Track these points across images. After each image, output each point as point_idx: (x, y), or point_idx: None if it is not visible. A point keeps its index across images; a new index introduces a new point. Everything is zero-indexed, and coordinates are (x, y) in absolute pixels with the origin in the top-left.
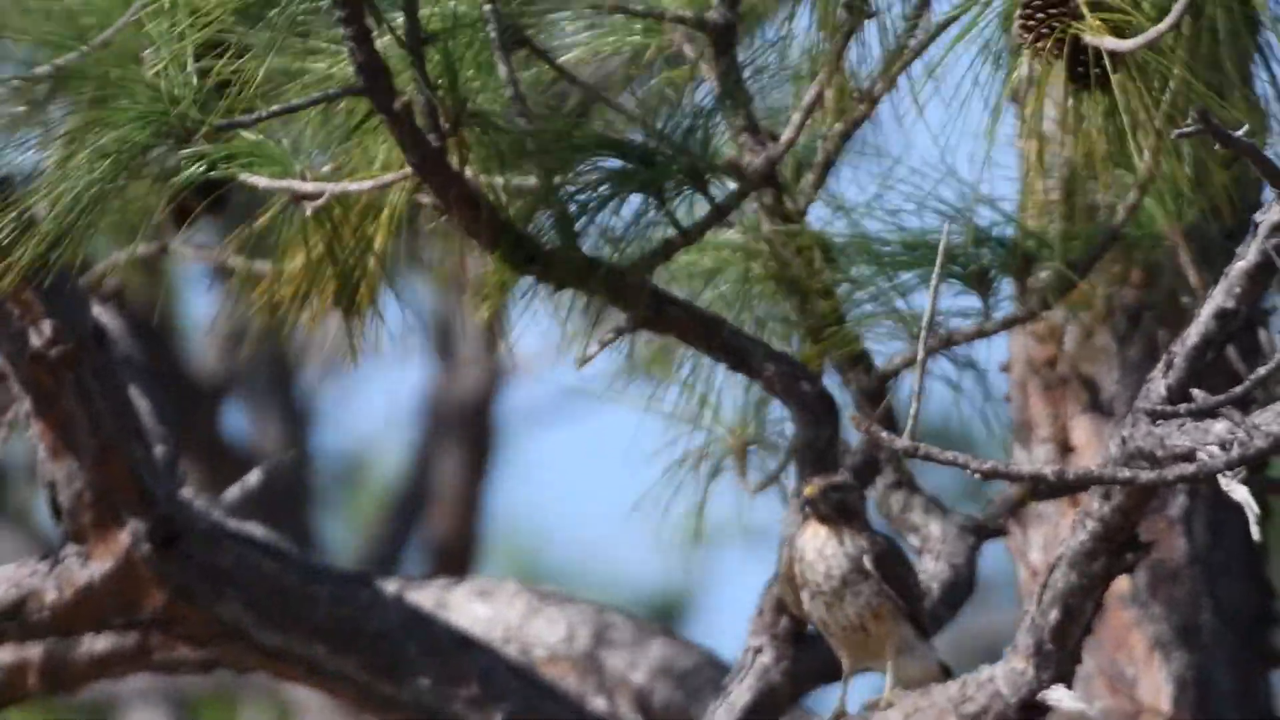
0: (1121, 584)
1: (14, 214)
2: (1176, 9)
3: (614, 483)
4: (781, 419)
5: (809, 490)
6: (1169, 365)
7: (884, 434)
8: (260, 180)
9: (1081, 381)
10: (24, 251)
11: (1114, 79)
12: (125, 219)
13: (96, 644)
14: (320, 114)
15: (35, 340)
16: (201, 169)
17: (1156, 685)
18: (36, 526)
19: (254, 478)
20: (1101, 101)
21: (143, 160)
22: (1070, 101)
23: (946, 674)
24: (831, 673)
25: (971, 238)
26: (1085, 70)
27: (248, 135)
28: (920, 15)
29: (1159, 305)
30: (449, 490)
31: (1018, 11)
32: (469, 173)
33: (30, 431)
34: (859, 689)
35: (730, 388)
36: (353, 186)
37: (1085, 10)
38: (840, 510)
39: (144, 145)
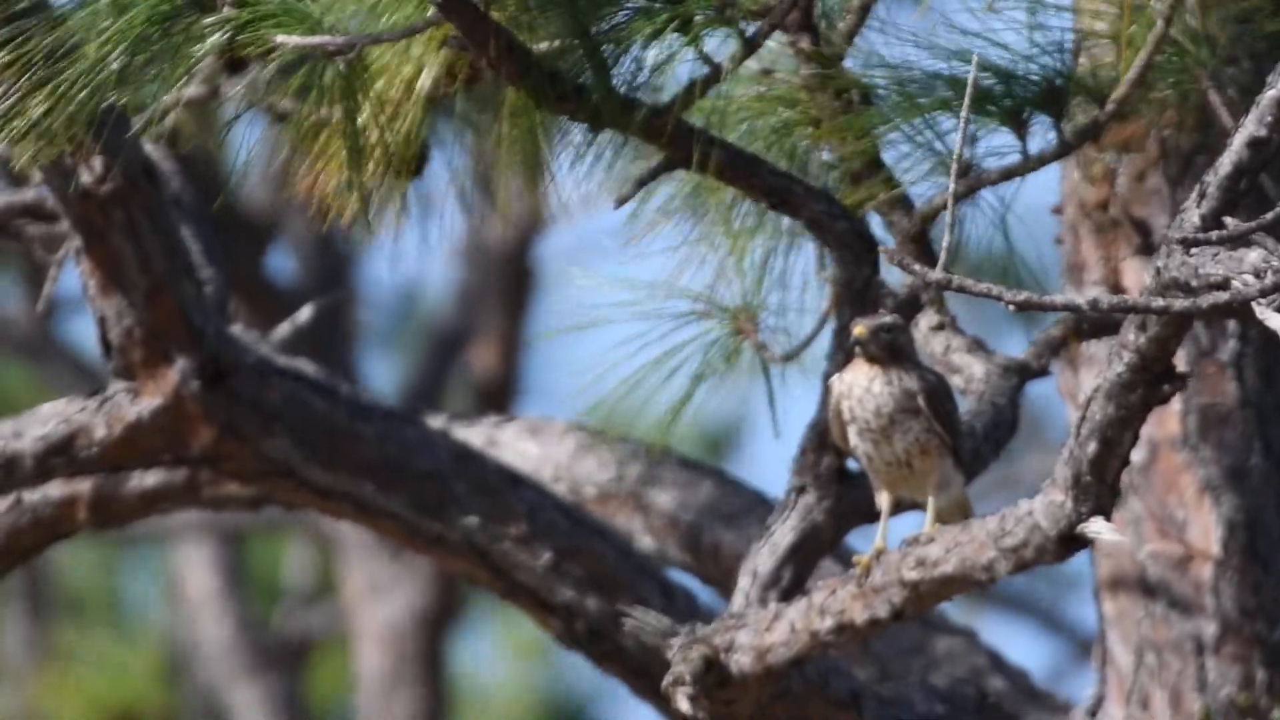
0: (1171, 427)
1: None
2: None
3: (654, 322)
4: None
5: (858, 331)
6: (1202, 195)
7: (916, 266)
8: (291, 39)
9: (1133, 224)
10: (73, 92)
11: None
12: (170, 73)
13: (146, 480)
14: None
15: (85, 177)
16: (228, 34)
17: (1206, 528)
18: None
19: (304, 315)
20: None
21: (170, 28)
22: None
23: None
24: (873, 512)
25: (1000, 77)
26: None
27: None
28: None
29: (1211, 149)
30: (491, 329)
31: None
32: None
33: (80, 268)
34: (897, 527)
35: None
36: (384, 37)
37: None
38: (889, 350)
39: (168, 15)
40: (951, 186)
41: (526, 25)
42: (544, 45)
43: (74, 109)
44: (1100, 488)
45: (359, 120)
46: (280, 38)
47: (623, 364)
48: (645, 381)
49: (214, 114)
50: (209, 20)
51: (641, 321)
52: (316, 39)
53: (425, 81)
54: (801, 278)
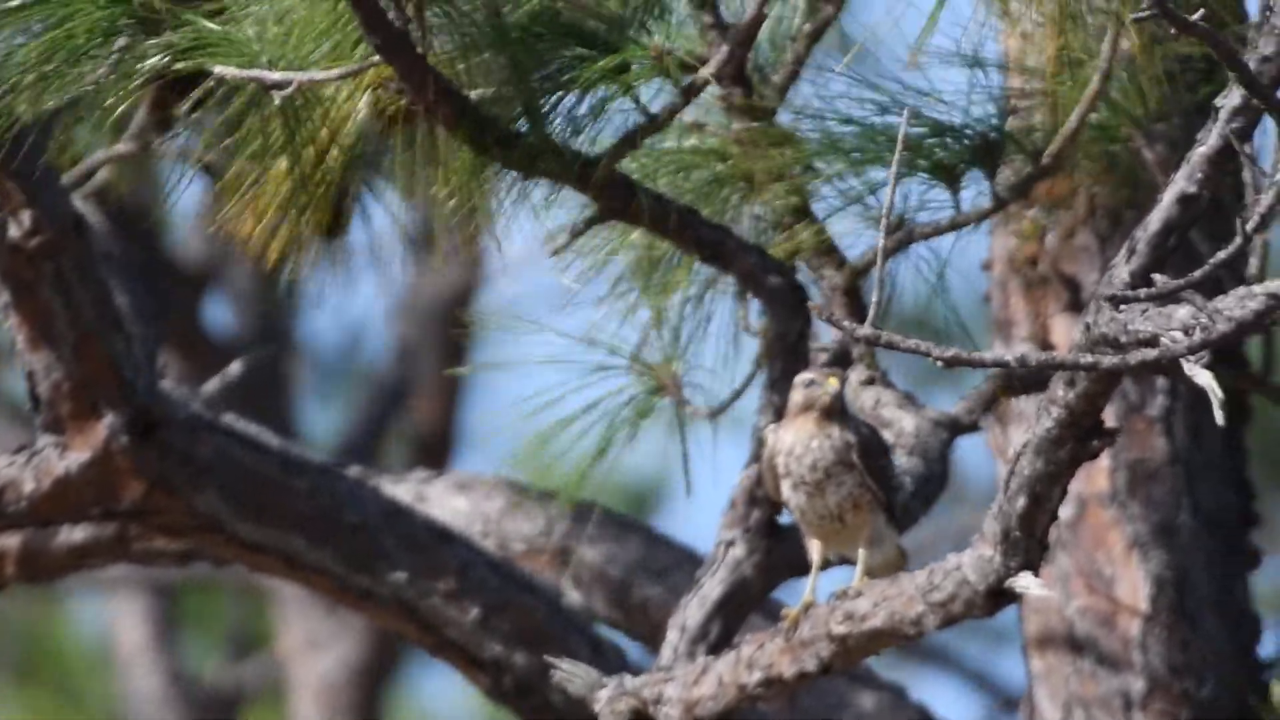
0: (1100, 483)
1: None
2: None
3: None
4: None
5: (833, 382)
6: (1132, 251)
7: (845, 322)
8: (228, 70)
9: (1062, 281)
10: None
11: None
12: (103, 111)
13: (75, 534)
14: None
15: (14, 231)
16: (167, 59)
17: (1134, 584)
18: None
19: (234, 369)
20: None
21: (109, 49)
22: None
23: (905, 558)
24: (803, 565)
25: (934, 130)
26: None
27: (214, 25)
28: None
29: (1141, 206)
30: (428, 383)
31: None
32: (432, 59)
33: (8, 322)
34: (826, 581)
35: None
36: (320, 75)
37: None
38: (842, 404)
39: (109, 33)
40: (881, 241)
41: (464, 71)
42: (480, 91)
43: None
44: (1029, 542)
45: (294, 159)
46: (219, 68)
47: (542, 415)
48: (561, 435)
49: (146, 168)
50: (151, 42)
51: (565, 373)
52: (254, 72)
53: (354, 121)
54: (729, 331)
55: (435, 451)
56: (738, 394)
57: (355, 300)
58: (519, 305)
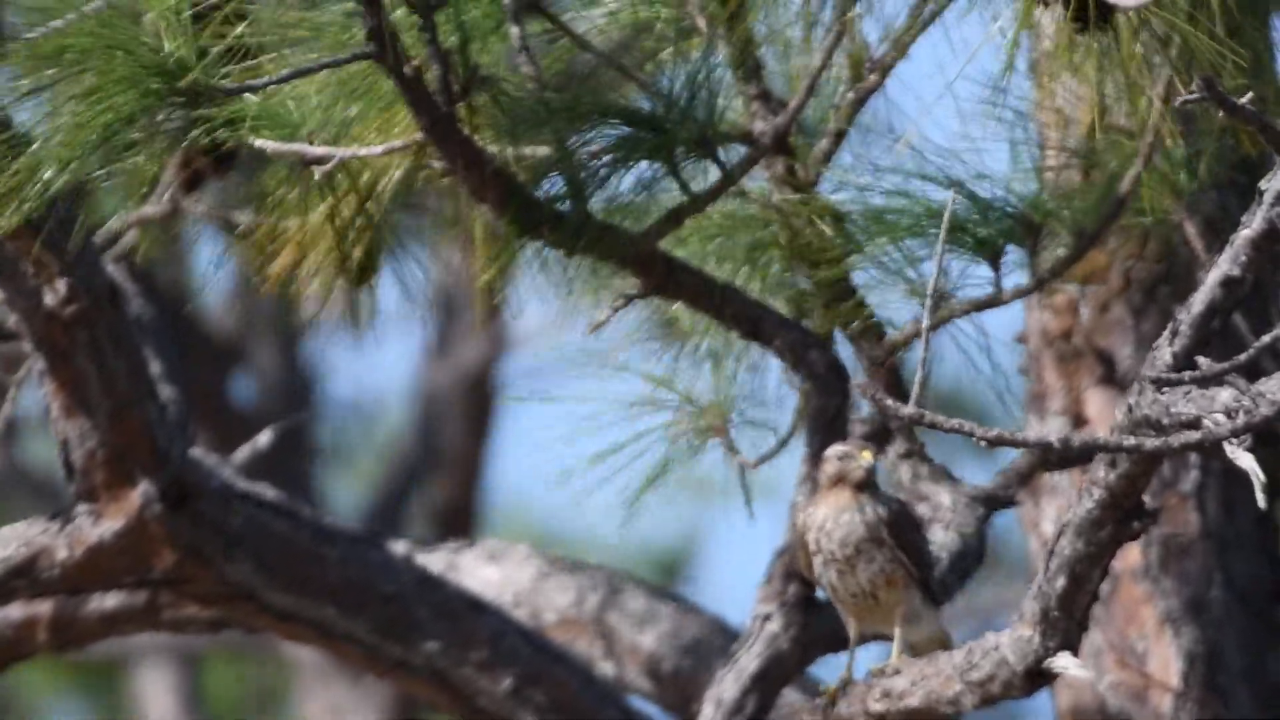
0: (1133, 558)
1: (23, 173)
2: None
3: (610, 446)
4: (760, 394)
5: (866, 456)
6: (1175, 333)
7: (889, 402)
8: (269, 144)
9: (1096, 355)
10: (32, 205)
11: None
12: (136, 179)
13: (106, 602)
14: (331, 81)
15: (49, 299)
16: (207, 133)
17: (1166, 659)
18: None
19: (264, 438)
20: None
21: (150, 122)
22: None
23: (948, 637)
24: (839, 640)
25: (977, 207)
26: (1087, 21)
27: (254, 99)
28: None
29: (1175, 280)
30: (451, 454)
31: None
32: (478, 139)
33: (43, 390)
34: (865, 658)
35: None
36: (362, 151)
37: None
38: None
39: (150, 108)
40: (925, 322)
41: (510, 152)
42: (512, 155)
43: (45, 190)
44: (1068, 623)
45: (330, 221)
46: (260, 142)
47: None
48: (607, 465)
49: (175, 232)
50: (193, 114)
51: (608, 410)
52: (296, 146)
53: (390, 184)
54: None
55: (457, 524)
56: (784, 441)
57: (378, 371)
58: (546, 370)
